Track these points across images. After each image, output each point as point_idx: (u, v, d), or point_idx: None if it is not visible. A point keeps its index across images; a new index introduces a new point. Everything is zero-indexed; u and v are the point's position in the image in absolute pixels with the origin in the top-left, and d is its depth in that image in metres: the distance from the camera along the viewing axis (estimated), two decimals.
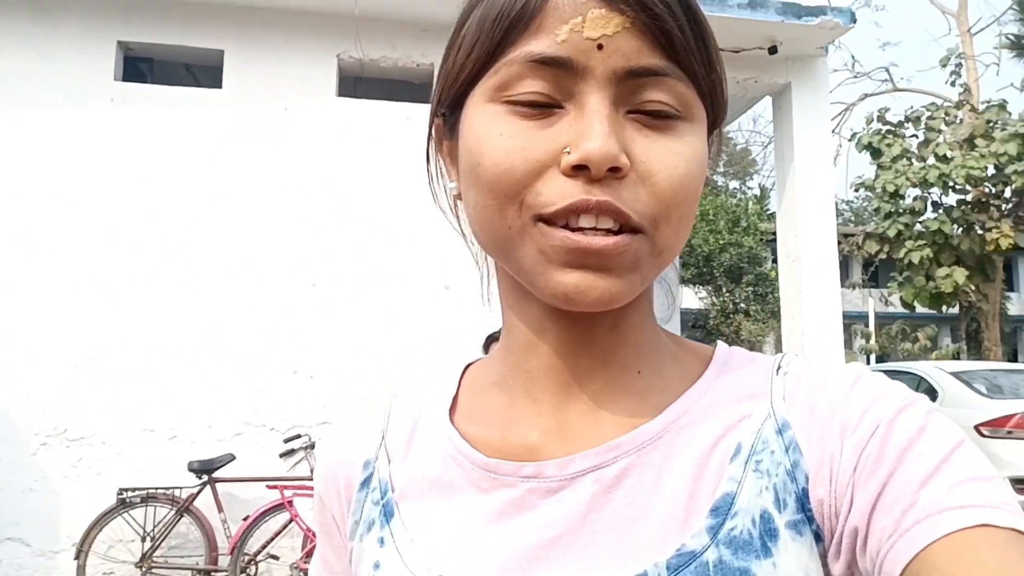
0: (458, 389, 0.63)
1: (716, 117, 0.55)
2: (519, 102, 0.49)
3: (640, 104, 0.49)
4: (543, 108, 0.49)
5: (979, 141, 14.24)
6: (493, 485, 0.54)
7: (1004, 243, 13.83)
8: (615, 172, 0.47)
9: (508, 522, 0.53)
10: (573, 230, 0.47)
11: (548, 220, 0.48)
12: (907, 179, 14.43)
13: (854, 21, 5.46)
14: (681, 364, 0.58)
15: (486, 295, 0.63)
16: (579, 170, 0.47)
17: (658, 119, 0.49)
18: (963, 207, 14.63)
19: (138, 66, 5.36)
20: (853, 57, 31.97)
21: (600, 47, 0.47)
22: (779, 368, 0.55)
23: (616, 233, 0.48)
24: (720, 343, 0.60)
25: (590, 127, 0.47)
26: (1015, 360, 23.31)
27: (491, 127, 0.49)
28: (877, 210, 15.41)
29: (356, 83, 5.46)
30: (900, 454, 0.46)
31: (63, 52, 4.84)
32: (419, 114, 5.14)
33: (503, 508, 0.53)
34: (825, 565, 0.49)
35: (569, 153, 0.47)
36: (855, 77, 19.47)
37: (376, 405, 0.66)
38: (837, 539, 0.47)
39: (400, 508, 0.58)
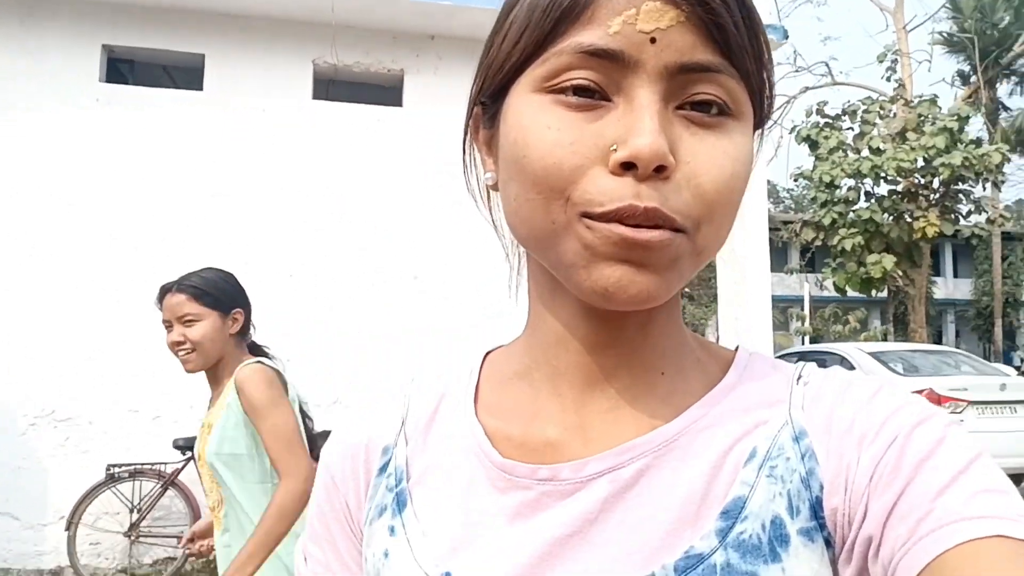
0: (479, 378, 0.63)
1: (763, 116, 0.55)
2: (566, 93, 0.48)
3: (690, 97, 0.48)
4: (591, 101, 0.48)
5: (910, 134, 14.94)
6: (508, 486, 0.54)
7: (930, 231, 14.58)
8: (660, 171, 0.46)
9: (522, 523, 0.53)
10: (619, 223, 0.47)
11: (594, 217, 0.47)
12: (842, 170, 15.07)
13: (786, 37, 6.00)
14: (703, 367, 0.58)
15: (514, 286, 0.63)
16: (626, 167, 0.46)
17: (707, 115, 0.49)
18: (893, 197, 15.34)
19: (118, 67, 5.61)
20: (795, 51, 32.95)
21: (653, 41, 0.47)
22: (799, 378, 0.56)
23: (659, 228, 0.47)
24: (741, 347, 0.60)
25: (639, 122, 0.46)
26: (939, 341, 24.64)
27: (537, 118, 0.48)
28: (814, 199, 16.08)
29: (328, 86, 5.79)
30: (917, 465, 0.46)
31: (50, 55, 5.08)
32: (391, 116, 5.52)
33: (518, 509, 0.53)
34: (835, 572, 0.49)
35: (616, 150, 0.46)
36: (796, 71, 20.21)
37: (395, 390, 0.66)
38: (849, 547, 0.48)
39: (413, 497, 0.58)
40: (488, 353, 0.65)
